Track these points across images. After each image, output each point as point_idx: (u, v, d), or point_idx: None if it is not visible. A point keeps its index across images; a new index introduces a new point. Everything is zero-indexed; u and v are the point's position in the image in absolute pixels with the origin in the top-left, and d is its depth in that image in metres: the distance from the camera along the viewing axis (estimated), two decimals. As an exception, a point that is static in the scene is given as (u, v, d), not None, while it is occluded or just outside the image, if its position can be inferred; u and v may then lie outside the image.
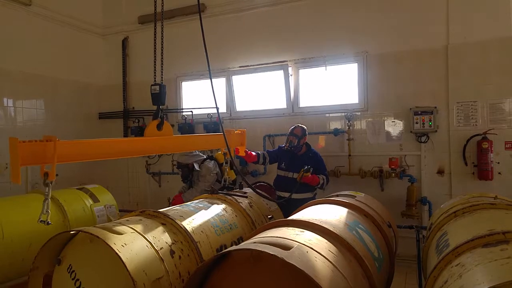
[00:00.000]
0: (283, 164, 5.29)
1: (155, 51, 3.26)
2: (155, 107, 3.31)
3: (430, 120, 5.39)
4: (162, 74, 3.29)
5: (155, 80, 3.23)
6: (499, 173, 5.16)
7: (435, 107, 5.42)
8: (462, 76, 5.34)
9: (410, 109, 5.52)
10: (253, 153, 5.17)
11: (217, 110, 3.60)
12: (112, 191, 5.26)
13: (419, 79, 5.58)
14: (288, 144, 5.23)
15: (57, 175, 2.46)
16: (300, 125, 5.35)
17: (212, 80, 3.40)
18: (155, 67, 3.26)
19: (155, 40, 3.26)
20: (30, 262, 2.56)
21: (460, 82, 5.35)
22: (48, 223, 2.36)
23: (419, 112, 5.45)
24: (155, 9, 3.31)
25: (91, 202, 4.78)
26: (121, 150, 2.89)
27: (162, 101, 3.26)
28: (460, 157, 5.32)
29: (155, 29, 3.29)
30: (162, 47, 3.28)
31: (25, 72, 6.47)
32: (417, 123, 5.45)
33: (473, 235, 2.16)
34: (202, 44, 3.23)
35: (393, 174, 5.56)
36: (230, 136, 3.94)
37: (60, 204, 4.36)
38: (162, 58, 3.28)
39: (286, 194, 4.94)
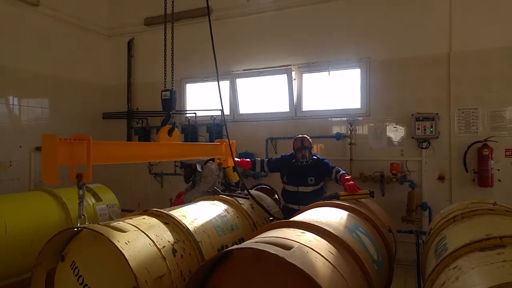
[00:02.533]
0: (285, 178, 5.02)
1: (165, 57, 3.31)
2: (158, 108, 3.36)
3: (431, 126, 5.42)
4: (172, 80, 3.32)
5: (165, 86, 3.26)
6: (499, 180, 5.19)
7: (437, 114, 5.45)
8: (464, 83, 5.38)
9: (412, 115, 5.56)
10: (246, 160, 5.02)
11: (222, 114, 3.66)
12: (114, 191, 5.28)
13: (421, 85, 5.62)
14: (303, 160, 4.80)
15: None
16: (304, 136, 5.03)
17: (216, 82, 3.46)
18: (165, 72, 3.30)
19: (165, 46, 3.31)
20: (32, 259, 2.59)
21: (462, 89, 5.39)
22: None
23: (421, 118, 5.49)
24: (165, 16, 3.35)
25: (93, 201, 4.82)
26: (157, 154, 2.89)
27: (173, 107, 3.31)
28: (461, 163, 5.35)
29: (165, 34, 3.34)
30: (172, 53, 3.32)
31: (31, 71, 6.54)
32: (418, 129, 5.48)
33: (471, 239, 2.19)
34: (208, 47, 3.29)
35: (394, 179, 5.59)
36: (223, 146, 4.04)
37: (63, 202, 4.40)
38: (172, 63, 3.31)
39: (296, 207, 4.72)
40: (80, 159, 2.29)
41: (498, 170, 5.17)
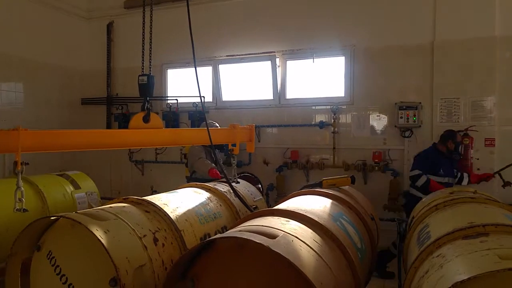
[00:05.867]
0: (441, 170, 4.87)
1: (143, 40, 3.18)
2: (139, 94, 3.22)
3: (414, 116, 5.46)
4: (150, 65, 3.20)
5: (143, 70, 3.14)
6: (478, 169, 5.28)
7: (420, 103, 5.49)
8: (446, 73, 5.42)
9: (395, 104, 5.58)
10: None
11: (202, 101, 3.55)
12: (93, 179, 5.15)
13: (405, 74, 5.65)
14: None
15: (27, 163, 2.44)
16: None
17: (198, 68, 3.34)
18: (143, 56, 3.18)
19: (143, 28, 3.18)
20: (7, 248, 2.50)
21: (444, 79, 5.44)
22: (24, 210, 2.36)
23: (404, 107, 5.52)
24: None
25: (72, 188, 4.69)
26: (91, 143, 2.75)
27: (150, 92, 3.17)
28: (442, 152, 5.42)
29: (143, 17, 3.20)
30: (150, 36, 3.19)
31: (3, 53, 6.25)
32: (401, 118, 5.52)
33: (454, 227, 2.20)
34: (189, 32, 3.18)
35: (377, 167, 5.65)
36: (236, 131, 3.69)
37: (40, 190, 4.25)
38: (150, 47, 3.19)
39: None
40: (8, 148, 2.36)
41: (478, 159, 5.27)
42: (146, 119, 3.06)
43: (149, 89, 3.15)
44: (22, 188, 2.42)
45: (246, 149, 3.99)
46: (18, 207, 2.39)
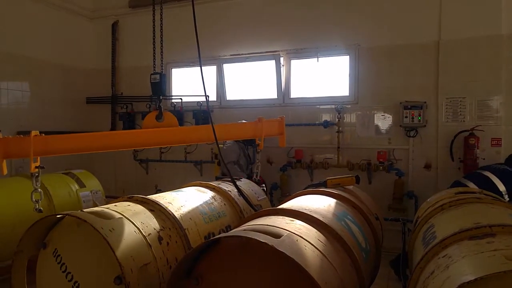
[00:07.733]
0: None
1: (154, 38, 3.19)
2: (143, 93, 3.24)
3: (419, 115, 5.43)
4: (162, 63, 3.20)
5: (154, 69, 3.14)
6: (484, 169, 5.24)
7: (425, 102, 5.46)
8: (452, 72, 5.38)
9: (400, 103, 5.55)
10: None
11: (207, 100, 3.55)
12: (98, 177, 5.18)
13: (410, 73, 5.61)
14: None
15: (42, 167, 2.53)
16: None
17: (203, 68, 3.33)
18: (154, 55, 3.19)
19: (154, 27, 3.19)
20: (14, 246, 2.52)
21: (450, 78, 5.40)
22: (40, 211, 2.48)
23: (409, 107, 5.49)
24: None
25: (77, 187, 4.72)
26: (100, 146, 2.80)
27: (162, 91, 3.19)
28: (447, 152, 5.38)
29: (153, 15, 3.22)
30: (161, 34, 3.20)
31: (10, 53, 6.28)
32: (406, 117, 5.49)
33: (460, 227, 2.18)
34: (194, 31, 3.18)
35: (381, 167, 5.62)
36: (261, 124, 3.45)
37: (45, 188, 4.28)
38: (161, 45, 3.20)
39: None
40: (22, 153, 2.48)
41: (484, 159, 5.22)
42: (159, 118, 3.07)
43: (162, 87, 3.16)
44: (39, 190, 2.51)
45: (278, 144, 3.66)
46: (36, 207, 2.54)
